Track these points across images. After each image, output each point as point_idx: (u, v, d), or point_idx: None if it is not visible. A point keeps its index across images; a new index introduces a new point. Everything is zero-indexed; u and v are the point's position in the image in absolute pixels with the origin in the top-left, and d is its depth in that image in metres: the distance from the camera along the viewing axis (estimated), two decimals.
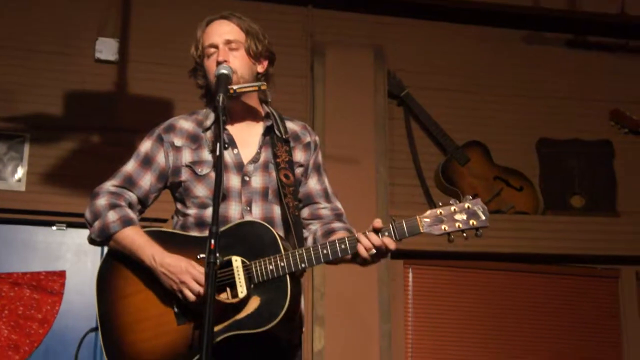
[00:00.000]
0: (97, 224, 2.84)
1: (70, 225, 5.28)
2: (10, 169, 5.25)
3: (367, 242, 2.67)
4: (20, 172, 5.25)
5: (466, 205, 2.70)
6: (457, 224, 2.68)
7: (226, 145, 2.84)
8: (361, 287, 5.26)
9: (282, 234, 2.83)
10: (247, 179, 2.89)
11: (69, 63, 5.45)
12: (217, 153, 2.57)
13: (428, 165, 5.80)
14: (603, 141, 5.98)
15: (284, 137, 2.99)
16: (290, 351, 2.89)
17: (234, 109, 2.93)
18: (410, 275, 5.63)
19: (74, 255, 5.31)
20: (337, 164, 5.25)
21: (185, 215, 2.92)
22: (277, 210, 2.91)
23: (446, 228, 2.69)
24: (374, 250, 2.67)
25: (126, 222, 2.83)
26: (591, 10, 5.95)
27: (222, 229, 2.68)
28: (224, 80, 2.78)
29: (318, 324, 5.20)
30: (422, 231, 2.70)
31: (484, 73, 6.06)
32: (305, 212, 3.02)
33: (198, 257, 2.68)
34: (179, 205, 2.96)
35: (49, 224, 5.31)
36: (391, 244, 2.68)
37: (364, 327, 5.26)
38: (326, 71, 5.71)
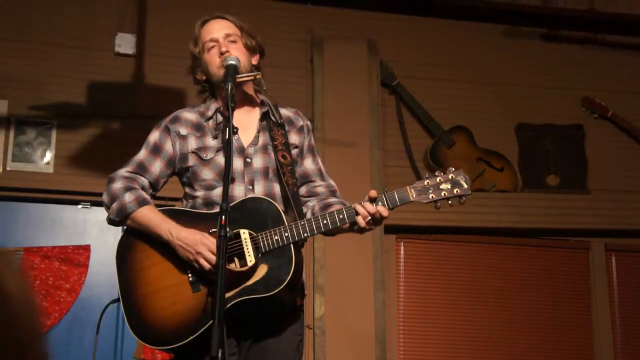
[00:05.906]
0: (114, 205, 2.86)
1: (94, 203, 5.28)
2: (39, 153, 5.25)
3: (363, 211, 2.72)
4: (49, 155, 5.26)
5: (450, 175, 2.76)
6: (442, 193, 2.73)
7: (235, 130, 2.82)
8: (357, 259, 5.27)
9: (282, 208, 2.85)
10: (249, 160, 2.92)
11: (91, 57, 5.45)
12: (227, 137, 2.60)
13: (418, 148, 5.78)
14: (575, 125, 5.98)
15: (278, 121, 3.01)
16: (294, 313, 2.94)
17: (234, 97, 2.94)
18: (402, 248, 5.63)
19: (98, 231, 5.32)
20: (335, 147, 5.27)
21: (193, 197, 2.94)
22: (277, 188, 2.93)
23: (433, 197, 2.74)
24: (369, 217, 2.72)
25: (142, 202, 2.85)
26: (563, 6, 5.90)
27: (230, 205, 2.71)
28: (232, 70, 2.79)
29: (319, 293, 5.21)
30: (411, 200, 2.75)
31: (468, 64, 6.03)
32: (302, 190, 3.04)
33: (210, 231, 2.71)
34: (187, 189, 2.99)
35: (75, 202, 5.32)
36: (384, 212, 2.73)
37: (361, 295, 5.26)
38: (324, 63, 5.69)
